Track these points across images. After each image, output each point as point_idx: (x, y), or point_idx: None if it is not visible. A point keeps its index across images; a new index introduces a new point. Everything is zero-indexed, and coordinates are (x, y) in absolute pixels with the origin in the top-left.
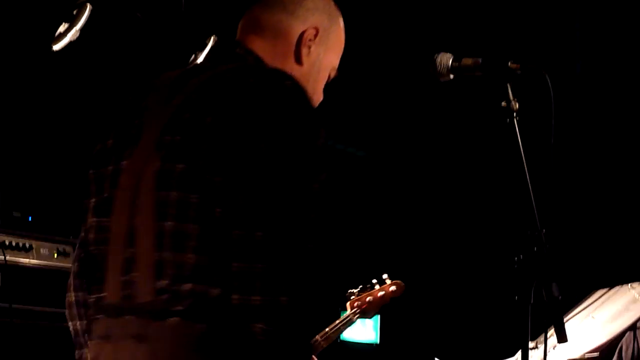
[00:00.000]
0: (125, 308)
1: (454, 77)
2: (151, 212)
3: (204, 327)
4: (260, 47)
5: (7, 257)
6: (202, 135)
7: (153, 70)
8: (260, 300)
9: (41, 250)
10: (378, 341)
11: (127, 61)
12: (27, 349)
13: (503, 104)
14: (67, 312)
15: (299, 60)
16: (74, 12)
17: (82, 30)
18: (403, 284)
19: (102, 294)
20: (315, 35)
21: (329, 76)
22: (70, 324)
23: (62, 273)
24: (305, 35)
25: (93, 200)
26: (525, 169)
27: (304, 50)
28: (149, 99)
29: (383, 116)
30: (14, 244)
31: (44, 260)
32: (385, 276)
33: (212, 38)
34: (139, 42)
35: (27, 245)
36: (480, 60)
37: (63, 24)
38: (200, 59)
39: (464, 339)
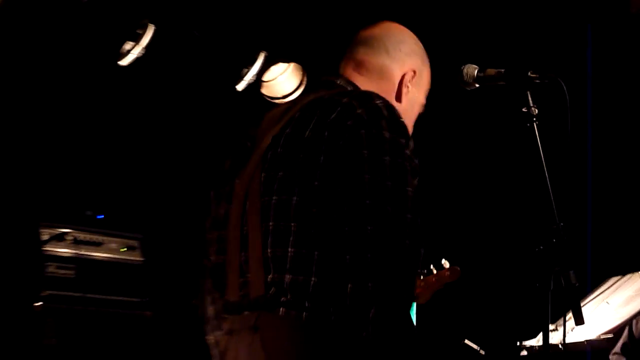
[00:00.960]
0: (244, 305)
1: (479, 85)
2: (257, 217)
3: (305, 315)
4: (364, 85)
5: (81, 252)
6: (300, 146)
7: (207, 83)
8: (372, 287)
9: (110, 245)
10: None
11: (186, 74)
12: (99, 333)
13: (524, 109)
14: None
15: (399, 98)
16: (138, 31)
17: (146, 47)
18: (459, 269)
19: (225, 296)
20: (413, 77)
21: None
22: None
23: (128, 265)
24: (406, 77)
25: (211, 217)
26: (545, 168)
27: (404, 90)
28: (262, 126)
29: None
30: (86, 239)
31: (113, 254)
32: (443, 261)
33: (262, 54)
34: (197, 57)
35: (98, 241)
36: (502, 70)
37: (128, 42)
38: (250, 73)
39: (491, 322)
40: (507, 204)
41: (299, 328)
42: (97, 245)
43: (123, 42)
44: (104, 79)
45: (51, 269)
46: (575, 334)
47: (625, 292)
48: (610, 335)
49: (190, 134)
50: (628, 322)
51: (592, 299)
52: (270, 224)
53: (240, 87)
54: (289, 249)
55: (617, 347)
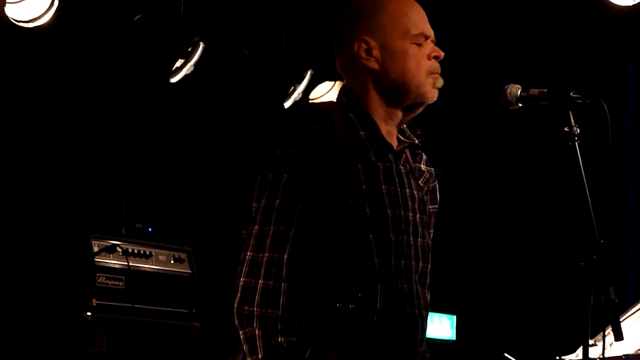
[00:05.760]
0: None
1: (522, 105)
2: None
3: None
4: (347, 83)
5: (130, 263)
6: None
7: (256, 100)
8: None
9: (159, 257)
10: (454, 337)
11: (235, 92)
12: (147, 343)
13: (565, 129)
14: None
15: (367, 69)
16: (189, 49)
17: (195, 65)
18: None
19: None
20: (367, 44)
21: (420, 44)
22: None
23: (177, 277)
24: (355, 52)
25: None
26: (586, 186)
27: (363, 61)
28: None
29: (461, 140)
30: (136, 251)
31: (162, 265)
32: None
33: (309, 72)
34: (245, 74)
35: (148, 253)
36: (545, 90)
37: (179, 59)
38: (298, 91)
39: (531, 336)
40: (550, 220)
41: None
42: (146, 257)
43: (174, 60)
44: (155, 95)
45: (102, 279)
46: (614, 349)
47: None
48: None
49: (238, 149)
50: None
51: (631, 314)
52: None
53: (287, 104)
54: None
55: None
